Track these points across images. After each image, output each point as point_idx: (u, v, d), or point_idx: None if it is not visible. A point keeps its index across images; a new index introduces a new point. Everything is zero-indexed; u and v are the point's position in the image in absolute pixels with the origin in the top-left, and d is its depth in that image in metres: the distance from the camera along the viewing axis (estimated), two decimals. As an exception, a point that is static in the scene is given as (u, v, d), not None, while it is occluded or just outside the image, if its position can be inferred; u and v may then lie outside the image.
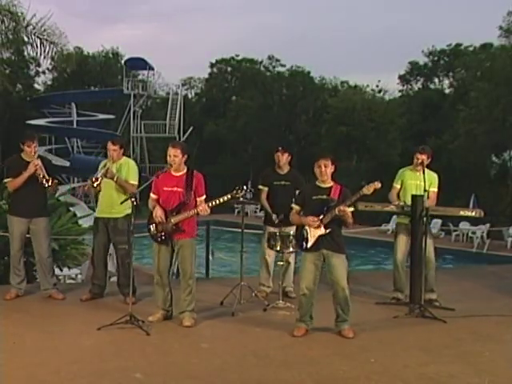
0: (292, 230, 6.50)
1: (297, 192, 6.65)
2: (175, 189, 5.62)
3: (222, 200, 5.58)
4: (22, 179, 6.30)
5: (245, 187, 5.48)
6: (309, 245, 5.41)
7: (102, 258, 6.61)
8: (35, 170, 6.29)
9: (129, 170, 6.44)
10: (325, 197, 5.41)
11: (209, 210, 5.51)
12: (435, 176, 6.79)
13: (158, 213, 5.63)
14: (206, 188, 5.67)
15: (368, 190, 5.36)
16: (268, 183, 6.98)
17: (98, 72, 38.22)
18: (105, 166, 6.39)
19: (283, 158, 6.92)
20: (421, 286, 6.25)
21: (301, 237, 5.50)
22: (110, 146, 6.43)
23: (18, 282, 6.59)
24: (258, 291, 6.78)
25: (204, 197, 5.64)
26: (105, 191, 6.38)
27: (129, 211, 5.92)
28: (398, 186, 6.85)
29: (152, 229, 5.70)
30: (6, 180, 6.46)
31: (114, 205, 6.35)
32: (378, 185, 5.37)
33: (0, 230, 7.32)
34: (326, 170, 5.42)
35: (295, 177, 6.93)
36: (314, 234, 5.39)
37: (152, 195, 5.78)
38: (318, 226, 5.35)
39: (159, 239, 5.69)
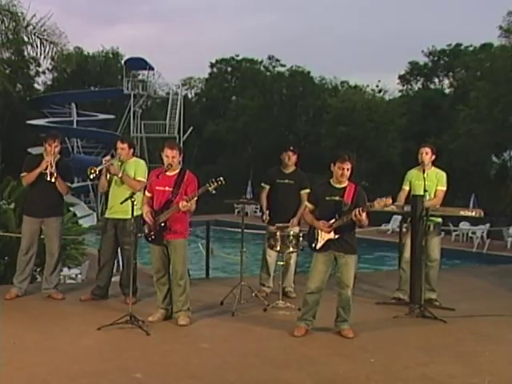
0: (292, 231, 6.51)
1: (301, 192, 6.67)
2: (166, 188, 5.64)
3: (197, 194, 5.50)
4: (34, 174, 6.33)
5: (220, 179, 5.35)
6: (318, 246, 5.41)
7: (110, 260, 6.57)
8: (46, 167, 6.30)
9: (137, 167, 6.43)
10: (337, 198, 5.37)
11: (188, 205, 5.45)
12: (443, 174, 6.71)
13: (145, 211, 5.68)
14: (199, 188, 5.59)
15: (379, 204, 5.26)
16: (271, 181, 6.97)
17: (98, 72, 38.21)
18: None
19: (293, 158, 6.89)
20: (421, 286, 6.25)
21: (311, 237, 5.49)
22: (118, 144, 6.43)
23: (20, 280, 6.57)
24: (258, 291, 6.77)
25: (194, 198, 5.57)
26: (117, 192, 6.33)
27: (139, 212, 5.85)
28: (407, 188, 6.71)
29: (145, 229, 5.73)
30: (22, 174, 6.49)
31: (126, 205, 6.32)
32: (388, 201, 5.29)
33: (0, 230, 7.33)
34: (347, 173, 5.37)
35: (300, 176, 6.90)
36: (323, 237, 5.39)
37: (146, 193, 5.81)
38: (329, 231, 5.36)
39: (149, 239, 5.73)
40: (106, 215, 6.52)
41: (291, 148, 6.92)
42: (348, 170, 5.35)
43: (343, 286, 5.40)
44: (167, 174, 5.66)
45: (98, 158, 27.69)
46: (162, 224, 5.61)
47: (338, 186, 5.43)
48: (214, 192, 5.45)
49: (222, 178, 5.36)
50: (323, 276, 5.41)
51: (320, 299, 5.45)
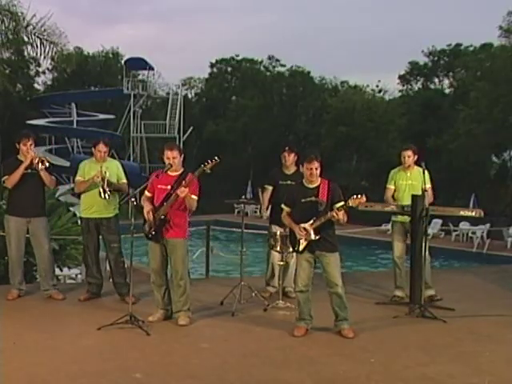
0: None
1: None
2: (168, 187, 5.69)
3: (194, 176, 5.58)
4: (18, 172, 6.30)
5: (215, 158, 5.44)
6: (300, 248, 5.48)
7: (95, 257, 6.65)
8: (31, 160, 6.29)
9: (118, 170, 6.58)
10: (313, 198, 5.44)
11: (186, 190, 5.48)
12: (426, 172, 6.79)
13: (147, 209, 5.71)
14: (200, 189, 5.67)
15: (353, 202, 5.32)
16: (274, 183, 7.00)
17: (98, 72, 38.18)
18: (90, 168, 6.48)
19: (289, 159, 6.92)
20: (421, 286, 6.26)
21: (293, 239, 5.57)
22: (102, 147, 6.49)
23: (17, 283, 6.59)
24: (262, 291, 6.80)
25: (195, 197, 5.64)
26: (95, 192, 6.39)
27: (117, 211, 6.27)
28: (392, 187, 6.87)
29: (145, 227, 5.76)
30: (3, 178, 6.47)
31: (107, 205, 6.43)
32: (362, 199, 5.34)
33: (0, 230, 7.32)
34: (316, 172, 5.46)
35: (301, 177, 6.91)
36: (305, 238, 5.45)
37: (146, 193, 5.84)
38: (305, 236, 5.41)
39: (149, 236, 5.75)
40: (86, 215, 6.55)
41: (286, 148, 6.98)
42: (317, 169, 5.46)
43: (332, 285, 5.44)
44: (170, 173, 5.72)
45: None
46: (163, 217, 5.64)
47: (310, 186, 5.51)
48: (209, 171, 5.53)
49: (216, 157, 5.46)
50: (308, 272, 5.49)
51: (310, 296, 5.50)
